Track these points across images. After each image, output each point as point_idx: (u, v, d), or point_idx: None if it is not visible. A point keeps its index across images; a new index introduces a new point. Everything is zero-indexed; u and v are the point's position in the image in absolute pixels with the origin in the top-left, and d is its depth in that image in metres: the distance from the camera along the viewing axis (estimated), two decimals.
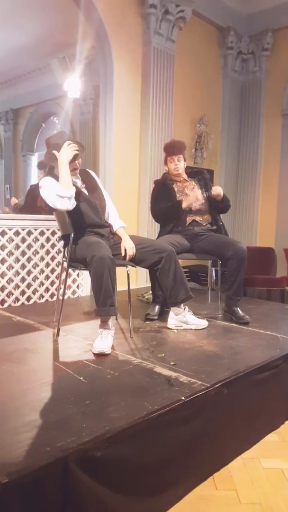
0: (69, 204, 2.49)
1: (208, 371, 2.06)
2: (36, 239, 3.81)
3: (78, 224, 2.65)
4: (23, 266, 3.74)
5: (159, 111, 4.66)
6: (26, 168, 8.89)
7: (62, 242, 2.89)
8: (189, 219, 3.22)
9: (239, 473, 1.83)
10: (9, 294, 3.66)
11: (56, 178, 2.59)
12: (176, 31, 4.71)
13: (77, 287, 4.13)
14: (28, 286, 3.78)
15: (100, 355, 2.30)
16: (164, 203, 3.21)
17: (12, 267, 3.67)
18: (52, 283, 3.92)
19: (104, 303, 2.36)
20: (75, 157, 2.57)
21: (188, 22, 4.76)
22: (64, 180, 2.48)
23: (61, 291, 3.09)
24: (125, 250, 2.69)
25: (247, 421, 2.07)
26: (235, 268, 3.00)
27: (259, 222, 5.91)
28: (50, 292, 3.91)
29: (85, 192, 2.77)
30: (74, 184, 2.63)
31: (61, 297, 2.91)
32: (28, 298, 3.78)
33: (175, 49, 4.75)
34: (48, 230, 3.85)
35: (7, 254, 3.63)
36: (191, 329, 2.85)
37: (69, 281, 4.03)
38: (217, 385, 1.90)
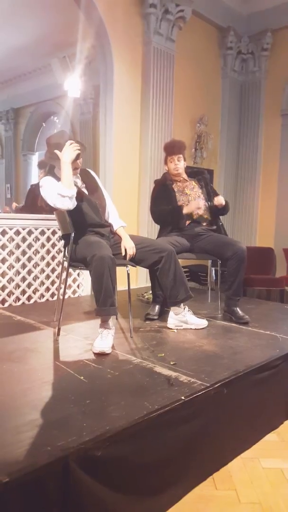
0: (70, 204, 2.50)
1: (208, 371, 2.07)
2: (37, 239, 3.82)
3: (79, 223, 2.65)
4: (23, 266, 3.75)
5: (159, 111, 4.66)
6: (27, 168, 8.89)
7: (62, 242, 2.89)
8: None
9: (238, 473, 1.84)
10: (10, 293, 3.67)
11: (56, 177, 2.60)
12: (176, 31, 4.71)
13: (78, 286, 4.14)
14: (29, 285, 3.79)
15: (100, 355, 2.31)
16: (164, 204, 3.21)
17: (13, 267, 3.68)
18: (53, 283, 3.93)
19: (104, 302, 2.37)
20: (77, 157, 2.57)
21: (188, 22, 4.76)
22: (66, 179, 2.48)
23: (61, 291, 3.09)
24: (125, 249, 2.69)
25: (246, 421, 2.08)
26: (234, 268, 3.00)
27: (259, 222, 5.91)
28: (50, 292, 3.92)
29: (85, 191, 2.77)
30: (75, 184, 2.63)
31: (61, 297, 2.91)
32: (29, 298, 3.79)
33: (175, 49, 4.76)
34: (48, 229, 3.86)
35: (7, 254, 3.63)
36: (191, 328, 2.86)
37: (69, 280, 4.04)
38: (216, 385, 1.91)
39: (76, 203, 2.55)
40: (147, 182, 4.57)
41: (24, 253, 3.74)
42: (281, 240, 5.56)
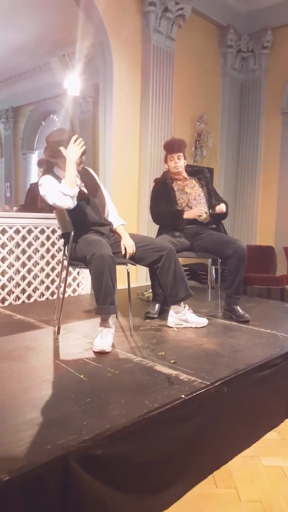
0: (71, 203, 2.49)
1: (208, 369, 2.06)
2: (37, 237, 3.81)
3: (78, 222, 2.64)
4: (23, 265, 3.75)
5: (158, 109, 4.66)
6: (26, 166, 8.89)
7: (62, 241, 2.89)
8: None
9: (239, 471, 1.84)
10: (10, 292, 3.67)
11: (56, 176, 2.59)
12: (175, 29, 4.70)
13: (78, 285, 4.14)
14: (29, 284, 3.78)
15: (100, 353, 2.30)
16: (163, 204, 3.20)
17: (13, 266, 3.67)
18: (53, 282, 3.93)
19: (104, 301, 2.37)
20: (82, 153, 2.56)
21: (187, 20, 4.75)
22: (70, 178, 2.47)
23: (61, 289, 3.09)
24: (125, 248, 2.69)
25: (247, 419, 2.07)
26: (235, 266, 3.00)
27: (259, 221, 5.91)
28: (50, 291, 3.91)
29: (85, 190, 2.76)
30: None
31: (61, 295, 2.91)
32: (29, 297, 3.79)
33: (174, 47, 4.75)
34: (48, 228, 3.86)
35: (7, 252, 3.63)
36: (191, 327, 2.86)
37: (69, 279, 4.03)
38: (217, 383, 1.91)
39: (76, 202, 2.54)
40: (147, 180, 4.56)
41: (24, 251, 3.74)
42: (281, 238, 5.55)
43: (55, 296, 3.69)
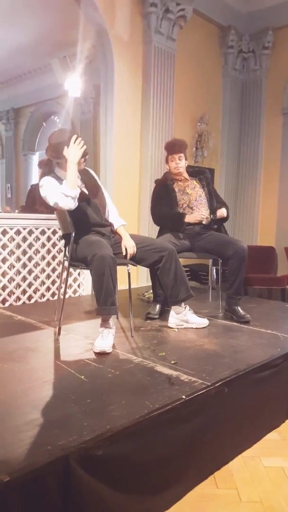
0: (72, 204, 2.49)
1: (208, 370, 2.06)
2: (37, 238, 3.82)
3: (79, 223, 2.64)
4: (24, 265, 3.75)
5: (159, 110, 4.66)
6: (27, 168, 8.90)
7: (63, 241, 2.89)
8: None
9: (239, 472, 1.84)
10: (11, 293, 3.67)
11: (57, 177, 2.59)
12: (176, 30, 4.70)
13: (78, 286, 4.14)
14: (29, 285, 3.79)
15: (101, 354, 2.31)
16: (164, 205, 3.20)
17: (13, 266, 3.68)
18: (53, 282, 3.93)
19: (105, 302, 2.37)
20: (84, 154, 2.56)
21: (188, 20, 4.75)
22: (71, 179, 2.47)
23: (62, 290, 3.09)
24: (126, 249, 2.69)
25: (247, 420, 2.07)
26: (235, 267, 3.00)
27: (260, 221, 5.91)
28: (51, 291, 3.92)
29: (85, 191, 2.76)
30: None
31: (62, 296, 2.91)
32: (29, 297, 3.79)
33: (175, 48, 4.75)
34: (49, 229, 3.86)
35: (8, 253, 3.63)
36: (191, 328, 2.86)
37: (70, 280, 4.04)
38: (217, 384, 1.91)
39: (77, 203, 2.54)
40: (147, 181, 4.57)
41: (24, 252, 3.74)
42: (282, 239, 5.55)
43: (55, 297, 3.69)
